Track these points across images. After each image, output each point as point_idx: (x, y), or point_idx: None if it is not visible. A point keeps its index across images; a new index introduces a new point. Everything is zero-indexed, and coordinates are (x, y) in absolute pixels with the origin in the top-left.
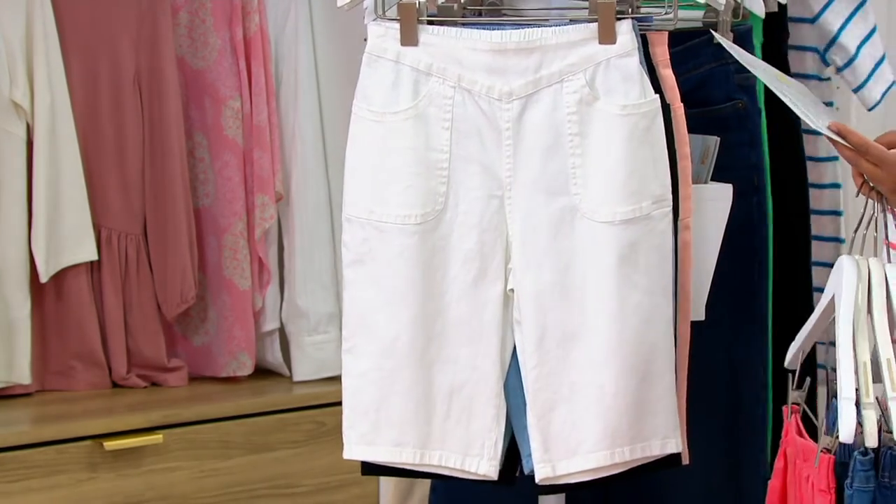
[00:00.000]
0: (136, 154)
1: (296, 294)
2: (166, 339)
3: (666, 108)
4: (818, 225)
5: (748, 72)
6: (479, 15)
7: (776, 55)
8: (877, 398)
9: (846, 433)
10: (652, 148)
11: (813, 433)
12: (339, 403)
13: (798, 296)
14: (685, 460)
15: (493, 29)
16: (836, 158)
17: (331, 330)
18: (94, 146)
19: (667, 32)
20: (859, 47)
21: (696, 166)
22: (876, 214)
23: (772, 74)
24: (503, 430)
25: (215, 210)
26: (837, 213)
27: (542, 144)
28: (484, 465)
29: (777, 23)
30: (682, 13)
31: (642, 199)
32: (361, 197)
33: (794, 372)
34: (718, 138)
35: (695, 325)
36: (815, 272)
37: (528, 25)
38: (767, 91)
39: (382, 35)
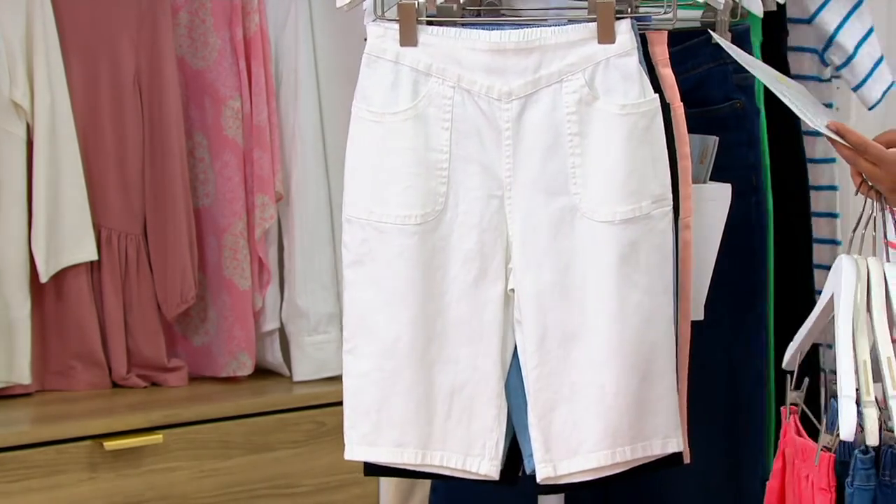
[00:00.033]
0: (136, 154)
1: (296, 294)
2: (166, 339)
3: (666, 108)
4: (815, 227)
5: (746, 72)
6: (478, 15)
7: (775, 55)
8: (875, 398)
9: (847, 430)
10: (652, 147)
11: (812, 434)
12: (340, 403)
13: (799, 296)
14: (686, 459)
15: (492, 29)
16: (833, 160)
17: (331, 330)
18: (94, 146)
19: (666, 31)
20: (857, 46)
21: (695, 166)
22: (875, 214)
23: (770, 74)
24: (504, 430)
25: (215, 210)
26: (834, 216)
27: (542, 144)
28: (485, 465)
29: (776, 22)
30: (680, 13)
31: (642, 198)
32: (361, 197)
33: (792, 372)
34: (717, 138)
35: (694, 325)
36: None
37: (527, 25)
38: (767, 91)
39: (381, 36)
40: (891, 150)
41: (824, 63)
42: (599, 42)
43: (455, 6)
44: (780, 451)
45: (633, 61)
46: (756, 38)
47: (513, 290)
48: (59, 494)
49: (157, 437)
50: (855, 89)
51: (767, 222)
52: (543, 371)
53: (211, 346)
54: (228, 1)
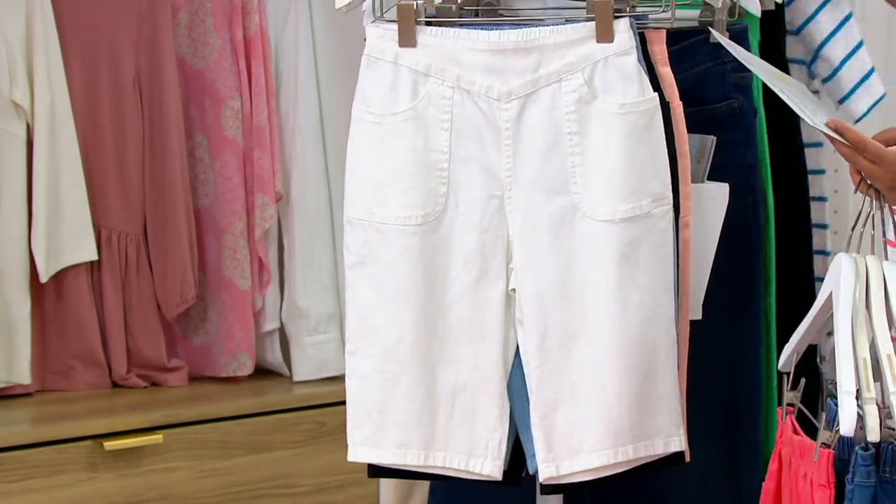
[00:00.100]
0: (136, 154)
1: (296, 294)
2: (166, 339)
3: (665, 106)
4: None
5: (744, 71)
6: (476, 15)
7: (774, 54)
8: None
9: (847, 426)
10: (651, 146)
11: (811, 434)
12: (340, 403)
13: (799, 296)
14: (687, 458)
15: (491, 29)
16: (819, 144)
17: (331, 330)
18: (94, 146)
19: (665, 30)
20: (844, 60)
21: (693, 165)
22: (873, 212)
23: (770, 72)
24: (507, 430)
25: (215, 210)
26: (823, 227)
27: (542, 144)
28: (488, 465)
29: (774, 22)
30: (678, 12)
31: (642, 197)
32: (362, 198)
33: (789, 373)
34: (715, 137)
35: (692, 324)
36: None
37: (525, 25)
38: (766, 91)
39: (381, 37)
40: (890, 148)
41: (811, 76)
42: (598, 41)
43: (453, 7)
44: (777, 452)
45: (632, 60)
46: (754, 38)
47: (514, 290)
48: (59, 494)
49: (157, 437)
50: (840, 102)
51: (764, 222)
52: (545, 371)
53: (211, 346)
54: (228, 1)
